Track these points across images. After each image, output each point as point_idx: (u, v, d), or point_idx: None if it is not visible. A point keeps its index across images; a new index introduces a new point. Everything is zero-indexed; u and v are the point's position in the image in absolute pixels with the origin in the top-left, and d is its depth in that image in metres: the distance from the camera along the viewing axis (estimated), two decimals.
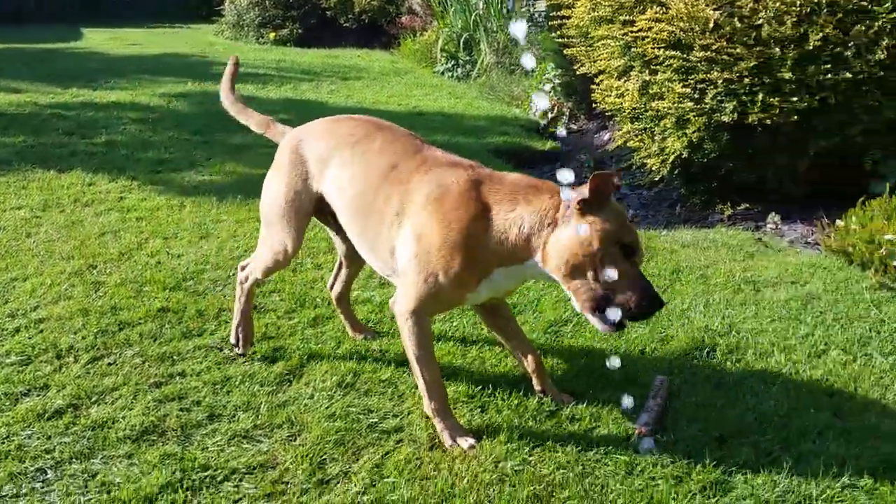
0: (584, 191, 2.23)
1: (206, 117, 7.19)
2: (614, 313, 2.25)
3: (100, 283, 3.59)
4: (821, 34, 4.35)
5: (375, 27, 14.14)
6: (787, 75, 4.38)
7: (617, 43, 5.25)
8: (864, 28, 4.34)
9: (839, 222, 4.32)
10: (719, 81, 4.55)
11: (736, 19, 4.54)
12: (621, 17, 5.21)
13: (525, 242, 2.34)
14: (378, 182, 2.55)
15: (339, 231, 2.90)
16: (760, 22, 4.48)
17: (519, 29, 2.18)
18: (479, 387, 2.82)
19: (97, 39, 13.96)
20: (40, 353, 2.96)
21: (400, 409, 2.68)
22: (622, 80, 5.35)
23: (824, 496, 2.28)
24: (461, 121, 7.83)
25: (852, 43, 4.38)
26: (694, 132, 4.74)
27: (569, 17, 6.25)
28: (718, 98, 4.59)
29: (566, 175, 2.18)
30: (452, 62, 10.81)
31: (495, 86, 9.35)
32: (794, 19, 4.41)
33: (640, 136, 5.40)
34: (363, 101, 8.58)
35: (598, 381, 2.85)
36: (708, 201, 5.29)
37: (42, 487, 2.25)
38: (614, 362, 2.53)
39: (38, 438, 2.45)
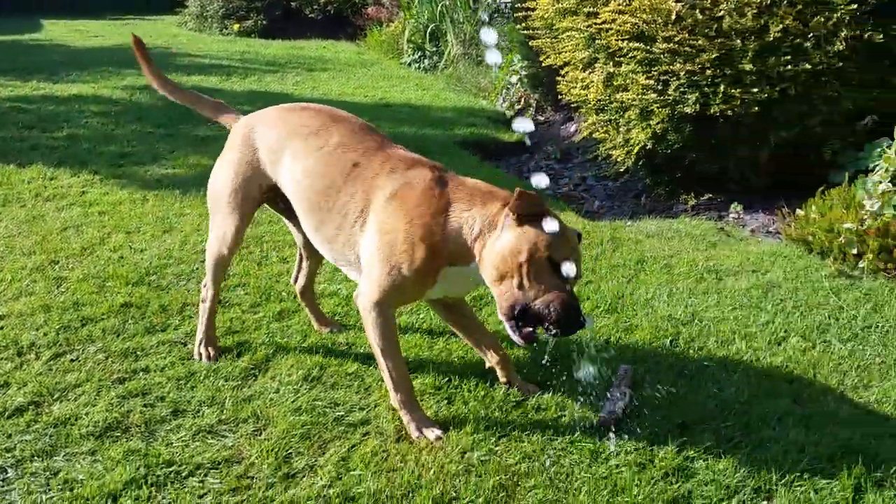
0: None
1: (170, 110, 7.07)
2: (528, 326, 2.30)
3: (62, 278, 3.55)
4: (781, 26, 4.42)
5: (341, 18, 14.03)
6: (748, 67, 4.44)
7: (581, 35, 5.27)
8: (823, 20, 4.41)
9: (799, 212, 4.39)
10: (682, 73, 4.60)
11: (697, 11, 4.59)
12: (585, 9, 5.24)
13: (473, 242, 2.38)
14: (341, 180, 2.54)
15: (296, 222, 2.89)
16: (722, 14, 4.54)
17: (489, 36, 2.21)
18: (446, 378, 2.83)
19: (57, 31, 13.70)
20: (1, 350, 2.92)
21: (366, 402, 2.68)
22: (587, 72, 5.38)
23: (784, 481, 2.33)
24: (428, 112, 7.82)
25: (812, 34, 4.45)
26: (658, 123, 4.79)
27: (534, 9, 6.26)
28: (681, 89, 4.64)
29: (541, 179, 2.25)
30: (419, 53, 10.78)
31: (462, 77, 9.34)
32: (755, 11, 4.47)
33: (605, 128, 5.44)
34: (329, 92, 8.53)
35: (564, 370, 2.87)
36: (672, 192, 5.35)
37: (2, 486, 2.22)
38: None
39: None
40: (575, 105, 5.79)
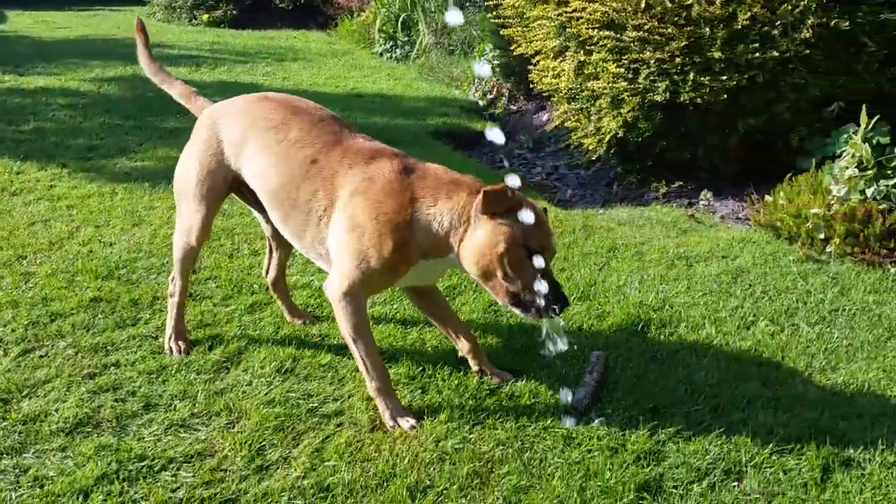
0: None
1: (138, 102, 7.02)
2: (534, 305, 2.37)
3: (30, 273, 3.50)
4: (749, 13, 4.45)
5: (311, 7, 13.93)
6: (717, 54, 4.47)
7: (552, 23, 5.28)
8: (790, 7, 4.44)
9: (768, 198, 4.45)
10: (652, 61, 4.62)
11: None
12: None
13: (445, 237, 2.40)
14: (300, 177, 2.53)
15: (263, 212, 2.88)
16: (690, 2, 4.56)
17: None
18: (420, 368, 2.84)
19: (22, 22, 13.46)
20: None
21: (340, 393, 2.68)
22: (558, 61, 5.39)
23: (753, 462, 2.36)
24: (400, 102, 7.80)
25: (779, 22, 4.49)
26: (628, 112, 4.81)
27: None
28: (651, 78, 4.66)
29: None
30: (391, 43, 10.74)
31: (434, 67, 9.32)
32: None
33: (576, 117, 5.45)
34: (300, 83, 8.47)
35: (536, 358, 2.89)
36: (643, 180, 5.38)
37: None
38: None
39: None
40: (547, 94, 5.80)
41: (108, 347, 2.92)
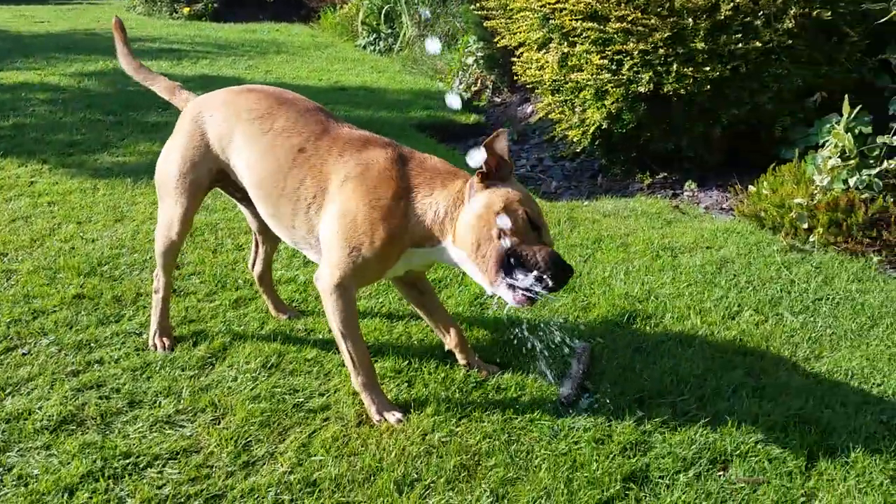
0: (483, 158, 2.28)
1: (120, 96, 6.96)
2: (523, 280, 2.18)
3: (11, 271, 3.46)
4: (732, 4, 4.47)
5: (294, 0, 13.86)
6: (700, 45, 4.48)
7: (535, 15, 5.27)
8: None
9: (751, 188, 4.47)
10: (635, 52, 4.62)
11: None
12: None
13: (440, 226, 2.37)
14: (287, 166, 2.51)
15: (249, 206, 2.86)
16: None
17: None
18: (406, 361, 2.83)
19: (1, 17, 13.31)
20: None
21: (326, 388, 2.67)
22: (542, 53, 5.38)
23: (739, 451, 2.38)
24: (384, 95, 7.77)
25: (762, 12, 4.51)
26: (612, 103, 4.81)
27: None
28: (635, 69, 4.67)
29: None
30: (374, 36, 10.69)
31: (418, 59, 9.29)
32: None
33: (560, 108, 5.45)
34: (283, 76, 8.42)
35: (522, 350, 2.89)
36: (628, 171, 5.39)
37: None
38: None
39: None
40: (531, 86, 5.79)
41: (92, 344, 2.89)
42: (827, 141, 4.27)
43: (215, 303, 3.25)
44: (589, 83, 4.89)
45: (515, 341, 2.91)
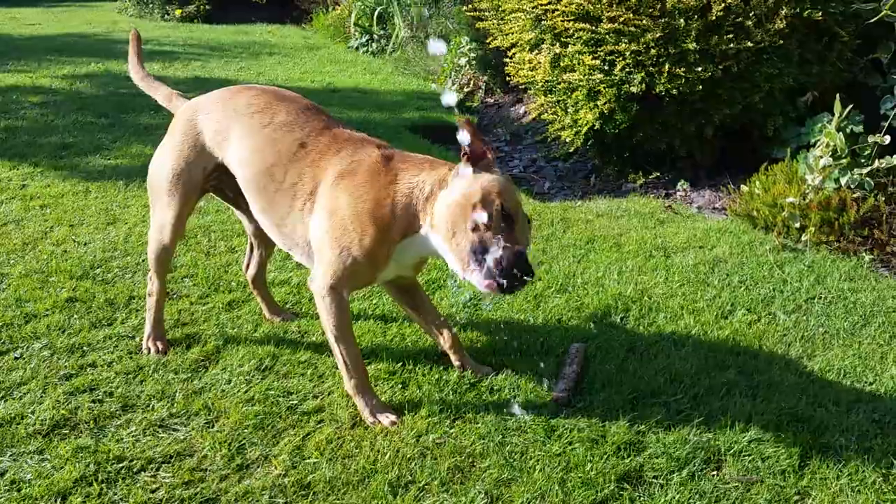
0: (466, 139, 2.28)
1: (112, 99, 6.94)
2: (492, 271, 2.17)
3: (3, 274, 3.45)
4: (723, 4, 4.48)
5: (286, 1, 13.85)
6: (692, 46, 4.49)
7: (527, 16, 5.27)
8: None
9: (744, 187, 4.48)
10: (627, 53, 4.63)
11: None
12: None
13: (423, 205, 2.36)
14: (286, 161, 2.52)
15: (244, 210, 2.86)
16: None
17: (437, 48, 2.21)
18: (400, 363, 2.83)
19: None
20: None
21: (320, 390, 2.67)
22: (534, 53, 5.38)
23: (732, 450, 2.38)
24: (377, 96, 7.77)
25: (753, 13, 4.52)
26: (605, 104, 4.82)
27: None
28: (627, 69, 4.67)
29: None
30: (367, 37, 10.69)
31: (411, 60, 9.29)
32: None
33: (553, 109, 5.45)
34: (275, 78, 8.41)
35: (517, 351, 2.90)
36: (621, 171, 5.40)
37: None
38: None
39: None
40: (523, 87, 5.80)
41: (85, 348, 2.88)
42: (818, 140, 4.28)
43: (208, 305, 3.24)
44: (581, 84, 4.89)
45: (509, 342, 2.91)
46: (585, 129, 5.06)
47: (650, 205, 4.71)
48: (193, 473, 2.24)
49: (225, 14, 13.71)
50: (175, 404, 2.55)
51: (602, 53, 4.74)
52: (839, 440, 2.43)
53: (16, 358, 2.81)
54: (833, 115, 4.21)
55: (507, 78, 6.02)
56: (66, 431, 2.41)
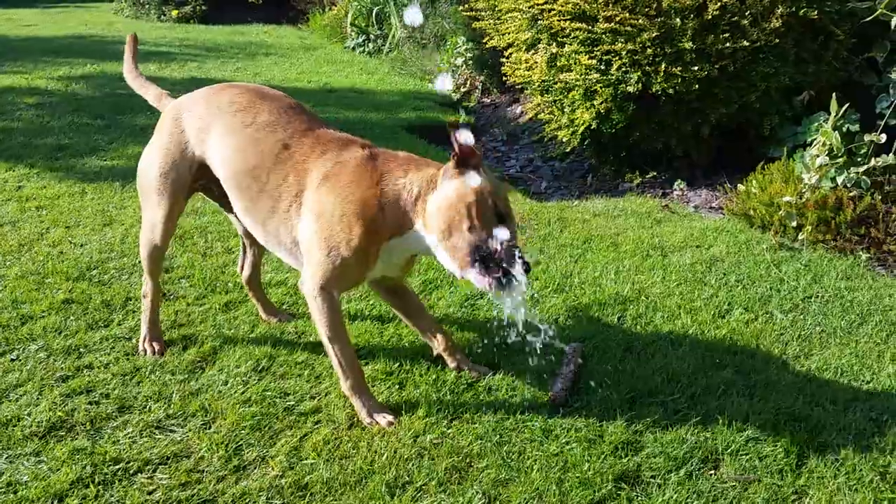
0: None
1: (108, 100, 6.93)
2: (491, 270, 2.23)
3: None
4: (719, 4, 4.48)
5: (283, 2, 13.84)
6: (688, 45, 4.49)
7: (524, 16, 5.27)
8: None
9: (740, 187, 4.48)
10: (624, 52, 4.63)
11: None
12: None
13: (413, 206, 2.37)
14: (270, 162, 2.51)
15: (230, 209, 2.85)
16: None
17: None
18: (397, 363, 2.82)
19: None
20: None
21: (317, 391, 2.66)
22: (530, 53, 5.38)
23: (730, 450, 2.38)
24: (373, 97, 7.76)
25: (749, 12, 4.52)
26: (601, 103, 4.82)
27: None
28: (623, 69, 4.68)
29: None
30: (363, 37, 10.68)
31: (408, 60, 9.29)
32: None
33: (550, 109, 5.46)
34: (272, 78, 8.40)
35: (514, 351, 2.89)
36: (618, 171, 5.40)
37: None
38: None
39: None
40: (520, 86, 5.80)
41: (81, 350, 2.88)
42: (815, 139, 4.28)
43: (205, 306, 3.23)
44: (578, 83, 4.89)
45: (506, 342, 2.91)
46: (582, 128, 5.06)
47: (647, 204, 4.71)
48: (190, 475, 2.23)
49: (221, 14, 13.69)
50: (172, 405, 2.55)
51: (598, 53, 4.75)
52: (836, 439, 2.43)
53: (12, 360, 2.80)
54: (829, 113, 4.22)
55: (504, 78, 6.03)
56: (63, 433, 2.41)
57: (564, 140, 5.35)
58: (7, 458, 2.29)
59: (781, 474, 2.29)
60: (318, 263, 2.41)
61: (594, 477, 2.24)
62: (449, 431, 2.45)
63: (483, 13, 6.26)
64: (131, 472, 2.25)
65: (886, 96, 4.38)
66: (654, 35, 4.54)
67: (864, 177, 4.07)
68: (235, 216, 2.92)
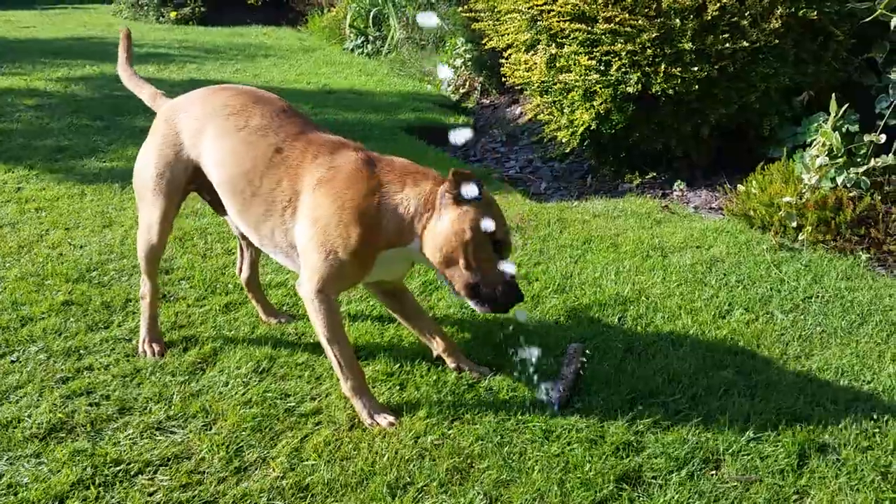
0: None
1: (107, 101, 6.93)
2: (487, 299, 2.39)
3: None
4: (718, 4, 4.48)
5: (281, 3, 13.84)
6: (688, 45, 4.49)
7: (523, 17, 5.27)
8: None
9: (740, 187, 4.48)
10: (623, 53, 4.63)
11: None
12: None
13: (409, 224, 2.39)
14: (263, 167, 2.51)
15: (224, 211, 2.85)
16: None
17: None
18: (398, 364, 2.82)
19: None
20: None
21: (318, 392, 2.66)
22: (530, 54, 5.38)
23: (731, 450, 2.38)
24: (373, 98, 7.76)
25: (748, 12, 4.52)
26: (601, 104, 4.82)
27: None
28: (623, 70, 4.68)
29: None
30: (362, 38, 10.68)
31: (406, 62, 9.29)
32: None
33: (549, 110, 5.45)
34: (271, 80, 8.40)
35: (515, 352, 2.89)
36: (617, 172, 5.40)
37: None
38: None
39: None
40: (519, 87, 5.80)
41: (81, 351, 2.87)
42: (815, 139, 4.28)
43: (205, 308, 3.23)
44: (577, 84, 4.89)
45: (506, 343, 2.91)
46: (582, 129, 5.06)
47: (647, 205, 4.71)
48: (191, 476, 2.23)
49: (220, 16, 13.69)
50: (172, 407, 2.54)
51: (598, 54, 4.75)
52: (838, 439, 2.43)
53: (12, 361, 2.80)
54: (829, 114, 4.22)
55: (503, 79, 6.02)
56: (63, 435, 2.41)
57: (564, 141, 5.35)
58: (7, 459, 2.28)
59: (783, 474, 2.29)
60: (315, 267, 2.41)
61: (595, 477, 2.24)
62: (450, 432, 2.44)
63: (482, 14, 6.26)
64: (132, 473, 2.24)
65: (886, 97, 4.38)
66: (653, 36, 4.54)
67: (863, 177, 4.07)
68: (227, 216, 2.92)
